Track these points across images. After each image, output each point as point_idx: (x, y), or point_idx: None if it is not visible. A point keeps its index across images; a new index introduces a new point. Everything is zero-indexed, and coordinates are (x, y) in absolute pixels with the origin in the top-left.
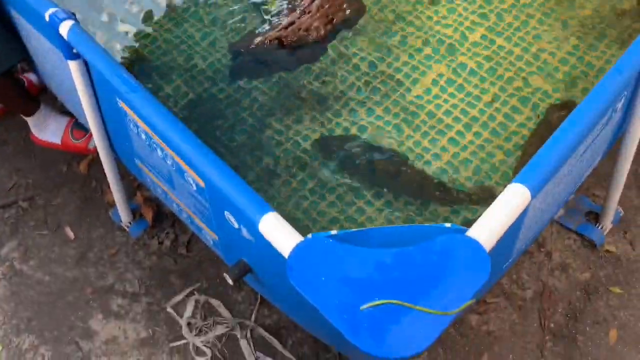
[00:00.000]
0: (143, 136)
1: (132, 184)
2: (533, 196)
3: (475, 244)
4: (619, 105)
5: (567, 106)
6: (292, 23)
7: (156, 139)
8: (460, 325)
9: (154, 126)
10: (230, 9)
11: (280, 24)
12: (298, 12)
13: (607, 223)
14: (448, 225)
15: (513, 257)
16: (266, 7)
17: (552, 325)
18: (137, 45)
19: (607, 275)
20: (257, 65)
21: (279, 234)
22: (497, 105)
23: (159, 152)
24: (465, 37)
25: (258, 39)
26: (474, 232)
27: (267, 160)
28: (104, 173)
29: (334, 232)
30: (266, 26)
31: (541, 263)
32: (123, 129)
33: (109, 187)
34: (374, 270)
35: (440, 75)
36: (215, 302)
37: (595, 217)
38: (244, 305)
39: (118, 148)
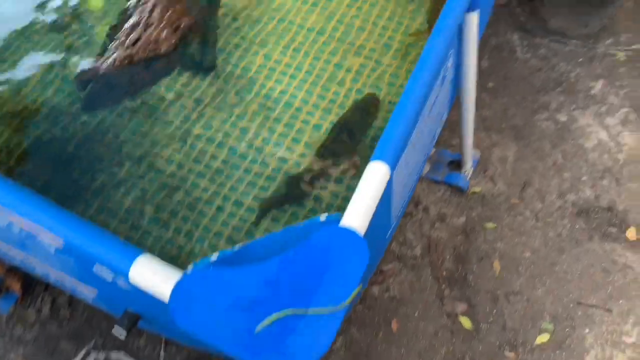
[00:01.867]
0: None
1: None
2: (393, 169)
3: (349, 233)
4: (449, 63)
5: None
6: (138, 39)
7: None
8: (365, 300)
9: None
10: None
11: (125, 42)
12: (141, 26)
13: (468, 167)
14: (323, 218)
15: (394, 224)
16: (98, 30)
17: (444, 273)
18: None
19: (478, 214)
20: (112, 91)
21: (154, 278)
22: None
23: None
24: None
25: (107, 63)
26: (346, 220)
27: (135, 193)
28: None
29: (213, 257)
30: (111, 48)
31: (421, 220)
32: None
33: None
34: (261, 287)
35: (288, 65)
36: (116, 356)
37: (457, 165)
38: (149, 349)
39: None
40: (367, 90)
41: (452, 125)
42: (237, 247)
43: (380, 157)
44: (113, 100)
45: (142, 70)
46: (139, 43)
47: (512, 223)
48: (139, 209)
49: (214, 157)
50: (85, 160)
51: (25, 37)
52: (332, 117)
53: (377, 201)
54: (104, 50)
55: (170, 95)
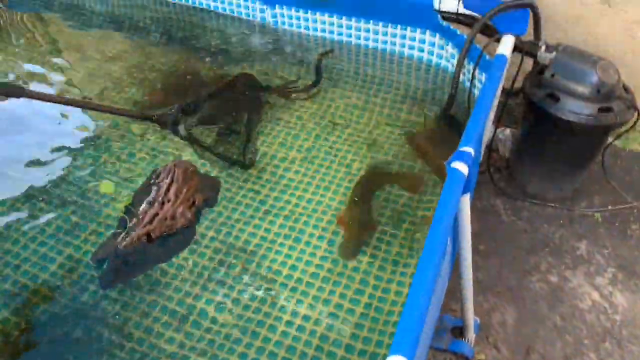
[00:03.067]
0: None
1: None
2: None
3: None
4: (447, 240)
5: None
6: (156, 215)
7: None
8: None
9: None
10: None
11: (143, 219)
12: (158, 203)
13: (471, 334)
14: None
15: None
16: (108, 210)
17: None
18: None
19: None
20: (128, 268)
21: None
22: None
23: None
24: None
25: (125, 241)
26: None
27: None
28: None
29: None
30: (129, 226)
31: None
32: None
33: None
34: None
35: (287, 236)
36: None
37: (460, 330)
38: None
39: None
40: None
41: (451, 289)
42: None
43: (399, 351)
44: (129, 276)
45: (158, 248)
46: (157, 219)
47: None
48: None
49: (217, 333)
50: (83, 340)
51: (28, 215)
52: (330, 286)
53: None
54: (122, 228)
55: (172, 269)
